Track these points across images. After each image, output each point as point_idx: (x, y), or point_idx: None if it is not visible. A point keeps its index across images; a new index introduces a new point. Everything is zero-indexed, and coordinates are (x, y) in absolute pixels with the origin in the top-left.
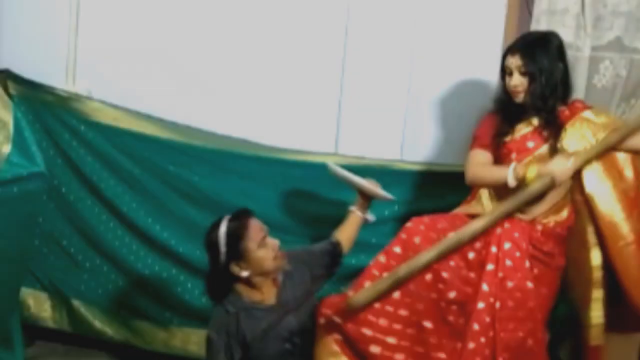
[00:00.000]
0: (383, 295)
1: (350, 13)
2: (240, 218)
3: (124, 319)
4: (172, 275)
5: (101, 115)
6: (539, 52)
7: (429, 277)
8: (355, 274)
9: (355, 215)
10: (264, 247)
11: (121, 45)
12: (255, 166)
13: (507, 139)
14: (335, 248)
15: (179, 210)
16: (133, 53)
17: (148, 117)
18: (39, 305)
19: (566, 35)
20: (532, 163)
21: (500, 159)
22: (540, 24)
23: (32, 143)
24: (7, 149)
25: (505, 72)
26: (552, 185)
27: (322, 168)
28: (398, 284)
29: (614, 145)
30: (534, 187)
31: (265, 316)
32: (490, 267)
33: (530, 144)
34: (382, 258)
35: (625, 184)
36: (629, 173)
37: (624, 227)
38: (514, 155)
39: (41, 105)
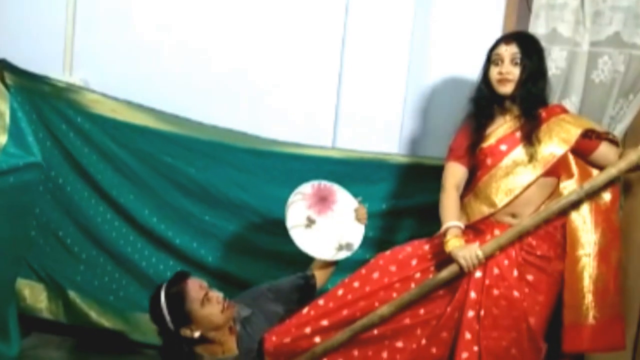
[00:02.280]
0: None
1: (348, 7)
2: (177, 282)
3: (120, 311)
4: (169, 267)
5: (98, 107)
6: (533, 47)
7: (393, 267)
8: (352, 267)
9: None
10: (209, 303)
11: (118, 36)
12: (252, 159)
13: (484, 144)
14: (308, 282)
15: (176, 202)
16: (130, 44)
17: (145, 109)
18: (35, 296)
19: (565, 30)
20: (458, 239)
21: (477, 165)
22: (539, 18)
23: (28, 134)
24: (3, 139)
25: (490, 63)
26: (461, 274)
27: (320, 161)
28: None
29: (529, 230)
30: (442, 275)
31: None
32: (477, 274)
33: (503, 147)
34: (340, 291)
35: (598, 197)
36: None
37: (587, 238)
38: (489, 161)
39: (38, 96)
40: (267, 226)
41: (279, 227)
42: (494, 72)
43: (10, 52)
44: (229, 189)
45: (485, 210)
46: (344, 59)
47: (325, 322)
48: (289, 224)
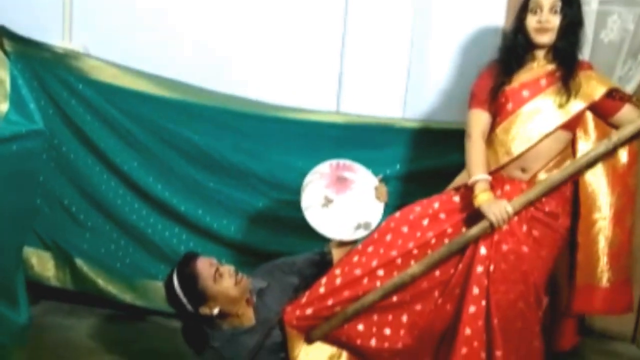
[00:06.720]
0: (336, 328)
1: None
2: (187, 264)
3: (127, 277)
4: (175, 234)
5: (99, 73)
6: None
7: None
8: None
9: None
10: (221, 278)
11: (118, 2)
12: (256, 124)
13: (507, 87)
14: (324, 258)
15: (180, 168)
16: (130, 9)
17: (147, 75)
18: (43, 264)
19: None
20: (488, 193)
21: (497, 110)
22: None
23: (29, 101)
24: (4, 107)
25: (527, 11)
26: (490, 230)
27: (324, 127)
28: (347, 321)
29: (557, 184)
30: (472, 232)
31: (249, 337)
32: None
33: (526, 93)
34: (355, 258)
35: (615, 159)
36: (621, 149)
37: (604, 201)
38: (510, 105)
39: (38, 62)
40: (271, 192)
41: (283, 192)
42: (531, 20)
43: (9, 19)
44: (233, 155)
45: (501, 158)
46: (347, 23)
47: (346, 293)
48: (304, 204)
